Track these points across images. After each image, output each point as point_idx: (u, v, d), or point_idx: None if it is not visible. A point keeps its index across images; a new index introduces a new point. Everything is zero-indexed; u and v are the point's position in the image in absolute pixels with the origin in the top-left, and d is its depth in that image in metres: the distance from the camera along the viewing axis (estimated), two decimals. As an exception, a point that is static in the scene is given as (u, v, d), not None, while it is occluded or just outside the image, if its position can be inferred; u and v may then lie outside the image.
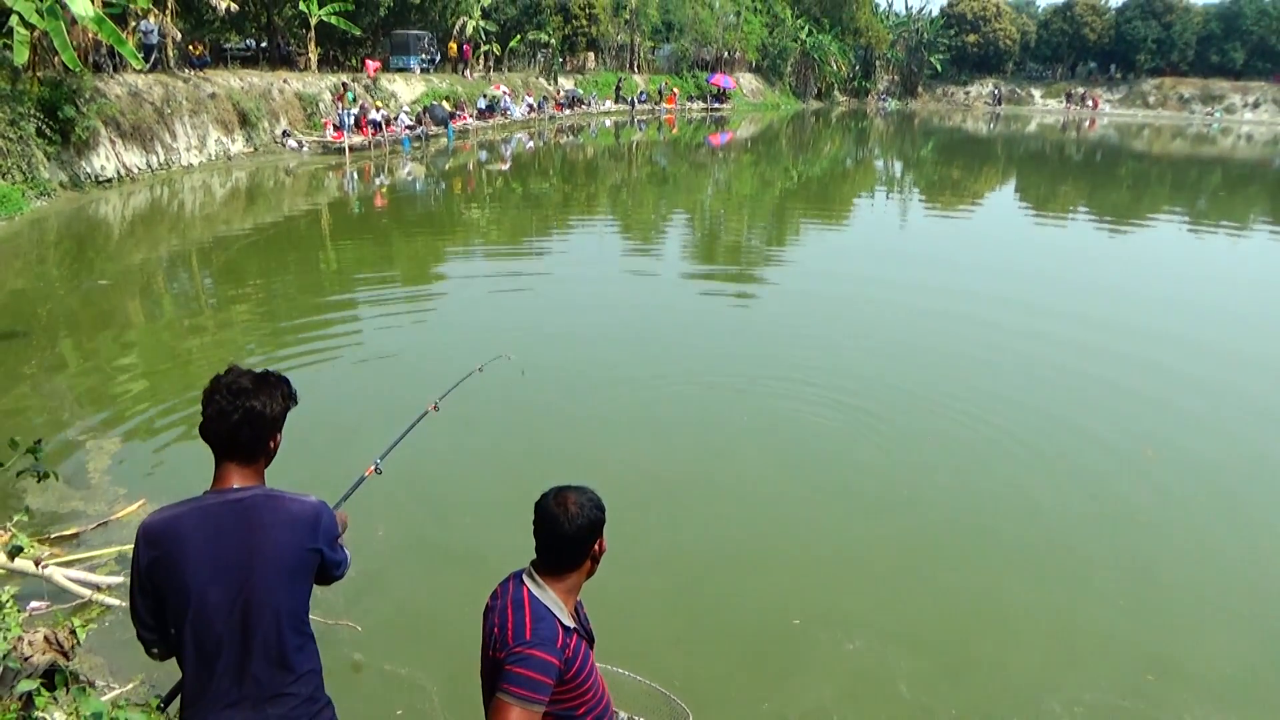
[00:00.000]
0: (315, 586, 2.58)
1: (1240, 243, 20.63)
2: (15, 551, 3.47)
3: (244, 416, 2.40)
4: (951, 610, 5.51)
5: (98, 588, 5.19)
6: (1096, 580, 5.85)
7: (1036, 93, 69.71)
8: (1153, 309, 12.76)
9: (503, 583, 2.54)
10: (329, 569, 2.57)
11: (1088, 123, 58.44)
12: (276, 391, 2.50)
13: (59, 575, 5.06)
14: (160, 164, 21.21)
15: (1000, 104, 68.41)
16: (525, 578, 2.49)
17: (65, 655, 2.82)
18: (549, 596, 2.44)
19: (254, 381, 2.46)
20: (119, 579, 5.32)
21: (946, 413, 8.44)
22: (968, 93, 71.00)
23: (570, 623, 2.44)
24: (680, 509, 6.58)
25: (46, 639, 2.84)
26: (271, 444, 2.51)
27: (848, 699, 4.67)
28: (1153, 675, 4.94)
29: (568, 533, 2.42)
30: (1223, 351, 10.75)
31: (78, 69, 17.57)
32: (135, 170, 20.24)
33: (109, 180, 19.19)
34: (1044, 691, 4.77)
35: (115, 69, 21.04)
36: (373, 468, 3.96)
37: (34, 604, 5.01)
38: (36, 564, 4.69)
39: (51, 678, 2.76)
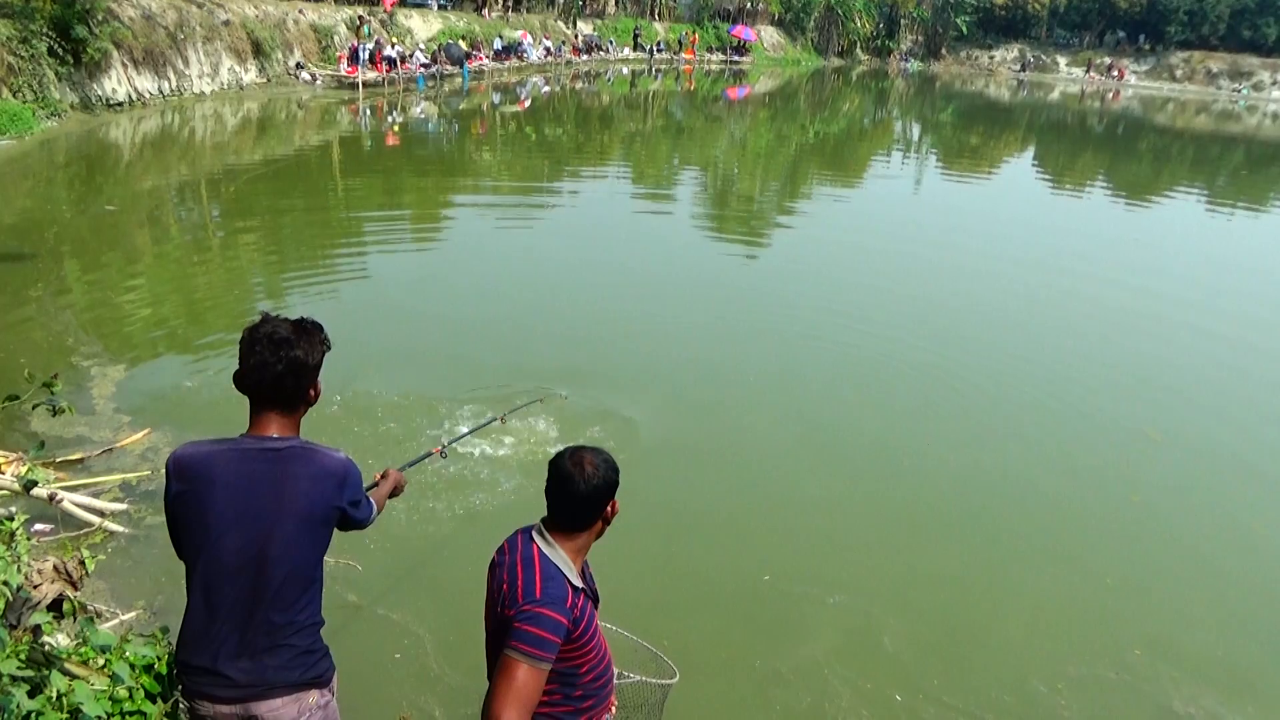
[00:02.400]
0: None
1: (1258, 223, 20.38)
2: (30, 485, 3.49)
3: (288, 367, 2.39)
4: (942, 580, 5.55)
5: (101, 513, 5.24)
6: (1089, 557, 5.89)
7: (1062, 60, 68.41)
8: (1169, 289, 12.65)
9: (510, 538, 2.54)
10: (349, 524, 2.60)
11: (1112, 94, 57.45)
12: (315, 339, 2.50)
13: (69, 503, 5.11)
14: (172, 90, 20.97)
15: (1025, 70, 67.22)
16: (535, 535, 2.49)
17: (74, 585, 2.85)
18: (559, 555, 2.44)
19: (293, 330, 2.45)
20: (123, 506, 5.37)
21: (951, 384, 8.44)
22: (992, 57, 69.64)
23: (578, 582, 2.45)
24: (666, 468, 6.57)
25: (56, 568, 2.86)
26: (312, 391, 2.52)
27: (837, 655, 4.73)
28: (1140, 650, 5.00)
29: (582, 493, 2.42)
30: (1235, 334, 10.69)
31: (90, -12, 17.31)
32: (147, 95, 20.03)
33: (120, 104, 19.00)
34: (1029, 661, 4.83)
35: (129, -10, 20.70)
36: (439, 449, 4.24)
37: (39, 526, 5.07)
38: (51, 500, 4.73)
39: (59, 606, 2.79)
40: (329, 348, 2.57)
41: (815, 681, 4.53)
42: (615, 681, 3.00)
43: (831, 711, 4.36)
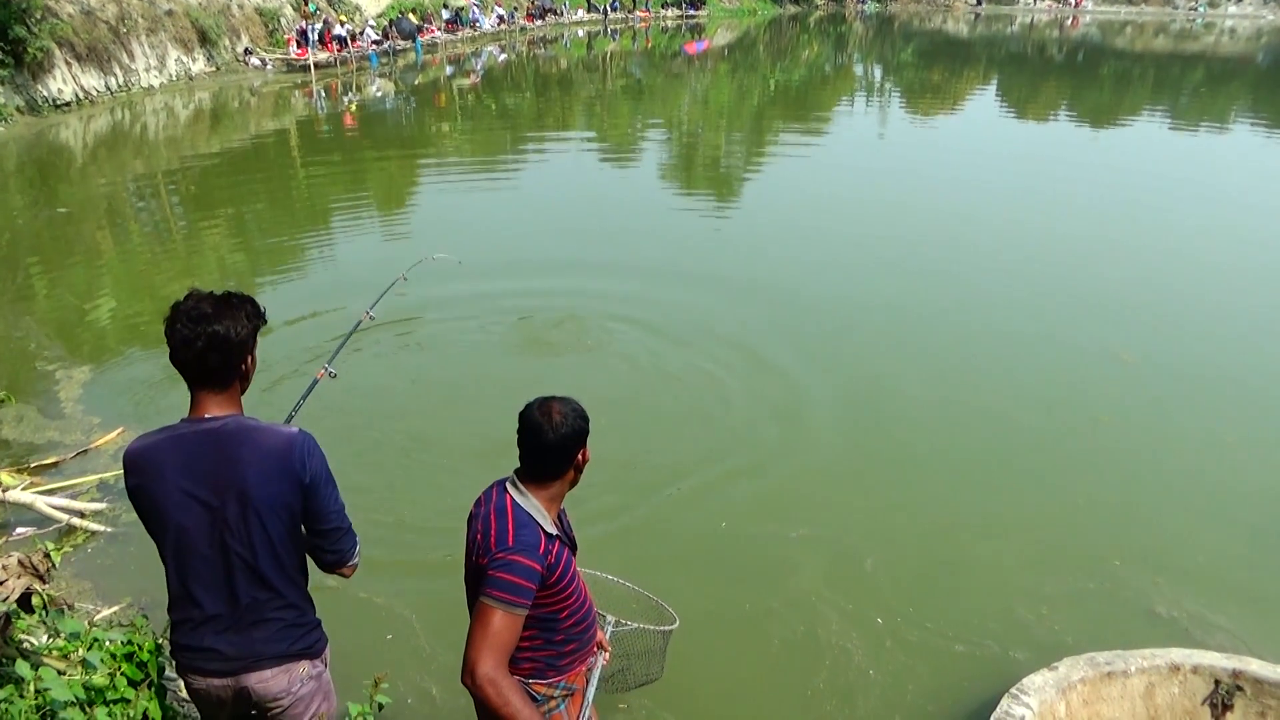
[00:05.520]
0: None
1: (1219, 144, 20.46)
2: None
3: (209, 343, 2.31)
4: (914, 511, 5.63)
5: (80, 514, 5.20)
6: (1061, 479, 5.98)
7: (1018, -10, 68.08)
8: (1135, 216, 12.69)
9: (486, 490, 2.56)
10: (320, 516, 2.48)
11: (1070, 21, 57.23)
12: (240, 313, 2.40)
13: (40, 502, 5.07)
14: (120, 86, 20.50)
15: (981, 4, 66.82)
16: (509, 485, 2.52)
17: (40, 578, 2.83)
18: (531, 504, 2.46)
19: (215, 305, 2.36)
20: (101, 505, 5.34)
21: (918, 316, 8.49)
22: (949, -8, 69.26)
23: (553, 529, 2.47)
24: (636, 417, 6.59)
25: (20, 562, 2.84)
26: (243, 367, 2.44)
27: (826, 585, 4.82)
28: (1120, 560, 5.09)
29: (551, 441, 2.43)
30: (1205, 258, 10.76)
31: (24, -14, 16.84)
32: (94, 93, 19.57)
33: (67, 104, 18.56)
34: (1011, 579, 4.92)
35: (65, -14, 20.15)
36: (323, 371, 4.11)
37: (20, 530, 5.03)
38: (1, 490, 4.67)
39: (29, 602, 2.77)
40: (263, 321, 2.50)
41: (806, 611, 4.61)
42: (614, 630, 3.04)
43: (825, 635, 4.46)
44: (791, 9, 61.76)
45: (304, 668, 2.54)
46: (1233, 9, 60.72)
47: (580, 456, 2.53)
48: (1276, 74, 34.10)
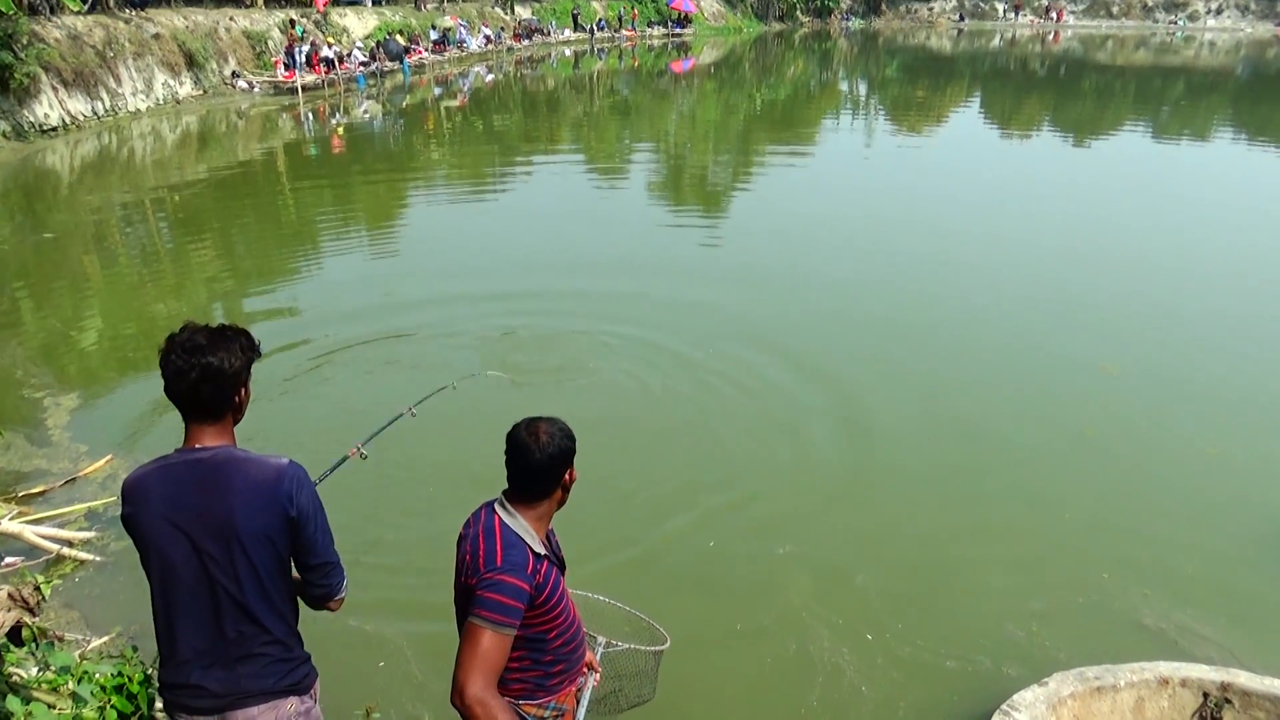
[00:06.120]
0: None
1: (1197, 155, 20.67)
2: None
3: (202, 374, 2.33)
4: (902, 528, 5.66)
5: (69, 543, 5.18)
6: (1048, 493, 6.01)
7: (1001, 6, 68.82)
8: (1117, 228, 12.83)
9: (475, 512, 2.58)
10: (310, 550, 2.47)
11: (1052, 36, 57.86)
12: (234, 345, 2.42)
13: (28, 532, 5.04)
14: (106, 110, 20.51)
15: (964, 20, 67.54)
16: (497, 506, 2.53)
17: (31, 611, 2.82)
18: (520, 524, 2.48)
19: (209, 337, 2.39)
20: (90, 534, 5.31)
21: (901, 336, 8.53)
22: (931, 9, 69.88)
23: (541, 549, 2.49)
24: (627, 440, 6.60)
25: (10, 595, 2.83)
26: (237, 399, 2.45)
27: (817, 602, 4.84)
28: (1108, 573, 5.11)
29: (538, 461, 2.46)
30: (1186, 270, 10.87)
31: (11, 11, 16.85)
32: (81, 118, 19.58)
33: (54, 129, 18.56)
34: (1000, 593, 4.93)
35: (52, 11, 20.18)
36: (356, 450, 4.06)
37: (9, 560, 5.00)
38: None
39: (18, 634, 2.76)
40: (257, 354, 2.52)
41: (798, 628, 4.64)
42: (605, 650, 3.05)
43: (817, 653, 4.48)
44: (777, 26, 62.27)
45: (292, 704, 2.52)
46: (1212, 22, 61.50)
47: (567, 476, 2.55)
48: (1256, 86, 34.54)
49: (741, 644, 4.61)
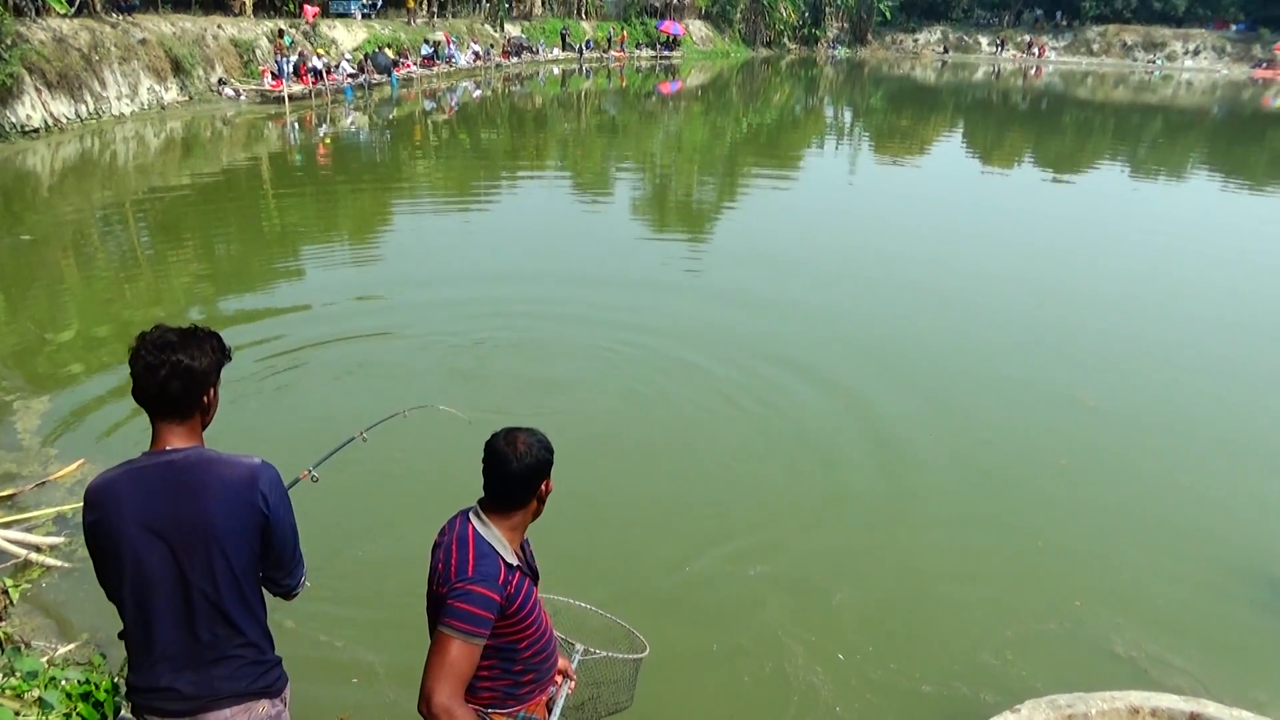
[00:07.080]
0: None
1: (1174, 193, 21.03)
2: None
3: (171, 371, 2.33)
4: (876, 554, 5.67)
5: (36, 548, 5.10)
6: (1024, 522, 6.05)
7: (984, 40, 69.93)
8: (1094, 262, 13.01)
9: (450, 520, 2.58)
10: (281, 545, 2.49)
11: (1034, 71, 58.78)
12: (205, 345, 2.42)
13: (-4, 537, 4.95)
14: (90, 113, 20.40)
15: (948, 52, 68.55)
16: (471, 515, 2.53)
17: (-2, 615, 2.77)
18: (493, 534, 2.48)
19: (180, 336, 2.39)
20: (59, 539, 5.23)
21: (880, 364, 8.58)
22: (916, 40, 70.84)
23: (514, 560, 2.49)
24: (601, 458, 6.59)
25: (-23, 599, 2.78)
26: (205, 399, 2.44)
27: (793, 623, 4.85)
28: (1081, 601, 5.15)
29: (515, 472, 2.46)
30: (1162, 304, 11.03)
31: (-4, 12, 16.78)
32: (64, 120, 19.46)
33: (35, 130, 18.44)
34: (975, 620, 4.95)
35: (38, 13, 20.08)
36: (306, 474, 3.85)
37: (-29, 566, 4.91)
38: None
39: (-15, 637, 2.71)
40: (228, 357, 2.52)
41: (774, 648, 4.63)
42: (582, 658, 3.03)
43: (793, 673, 4.48)
44: (764, 52, 62.92)
45: (264, 707, 2.51)
46: (1189, 63, 62.71)
47: (544, 487, 2.56)
48: (1231, 126, 35.20)
49: (719, 663, 4.60)
